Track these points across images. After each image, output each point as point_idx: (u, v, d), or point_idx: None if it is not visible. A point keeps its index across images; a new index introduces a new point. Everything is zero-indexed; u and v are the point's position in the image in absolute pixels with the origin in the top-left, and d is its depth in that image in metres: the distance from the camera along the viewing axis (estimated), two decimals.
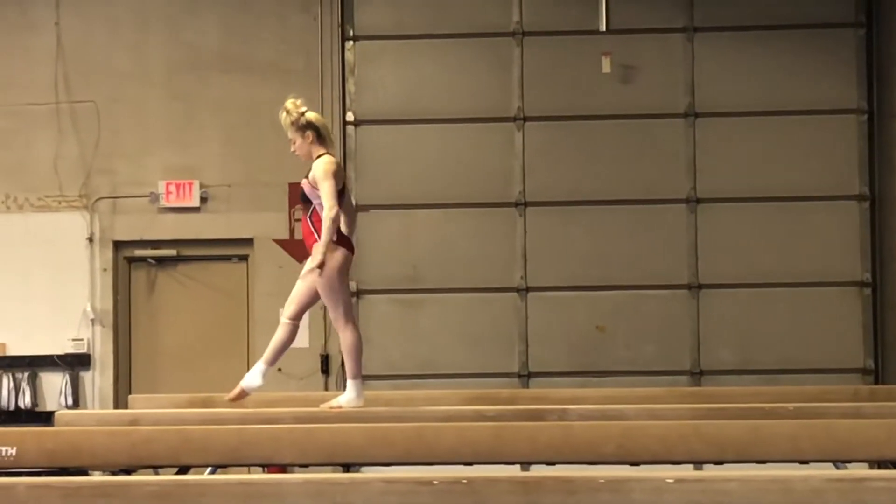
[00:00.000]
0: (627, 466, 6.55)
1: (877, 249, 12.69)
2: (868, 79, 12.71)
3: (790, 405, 7.85)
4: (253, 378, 8.15)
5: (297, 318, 8.20)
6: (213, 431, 6.66)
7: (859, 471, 5.07)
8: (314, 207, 8.00)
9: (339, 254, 7.95)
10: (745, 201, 12.74)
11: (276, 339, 8.30)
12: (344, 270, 8.00)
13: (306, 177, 8.04)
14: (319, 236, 7.93)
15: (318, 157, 8.03)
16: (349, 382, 8.03)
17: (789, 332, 12.64)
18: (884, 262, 12.68)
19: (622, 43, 12.82)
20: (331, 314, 8.14)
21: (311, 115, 8.14)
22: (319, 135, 8.10)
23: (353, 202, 8.31)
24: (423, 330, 12.84)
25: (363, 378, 8.17)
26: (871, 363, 12.62)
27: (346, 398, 7.96)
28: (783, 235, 12.72)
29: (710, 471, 5.94)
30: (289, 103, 8.18)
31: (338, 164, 8.05)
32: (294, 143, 8.17)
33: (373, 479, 4.61)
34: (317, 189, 7.92)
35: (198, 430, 6.66)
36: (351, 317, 8.11)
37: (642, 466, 6.42)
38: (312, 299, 8.15)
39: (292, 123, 8.14)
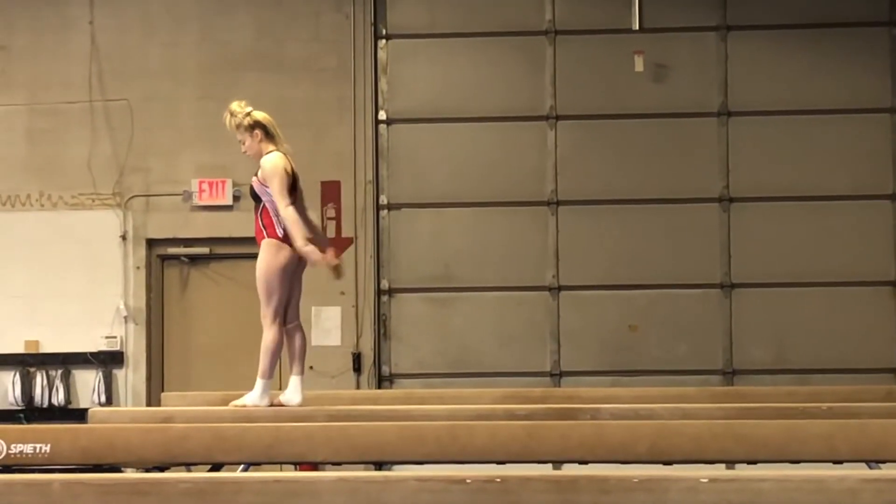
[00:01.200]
0: (660, 466, 6.53)
1: None
2: None
3: (824, 405, 7.82)
4: (252, 398, 8.00)
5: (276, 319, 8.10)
6: (247, 429, 6.67)
7: (895, 471, 5.04)
8: (264, 205, 8.00)
9: (284, 252, 7.95)
10: (778, 200, 12.71)
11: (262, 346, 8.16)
12: (286, 270, 7.98)
13: (256, 174, 8.04)
14: (268, 234, 7.93)
15: (267, 153, 8.01)
16: (258, 381, 7.94)
17: (822, 331, 12.60)
18: None
19: (655, 42, 12.80)
20: (262, 308, 8.03)
21: (258, 115, 8.14)
22: (268, 132, 8.10)
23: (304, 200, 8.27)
24: (455, 328, 12.85)
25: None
26: None
27: (251, 397, 7.90)
28: (815, 234, 12.68)
29: (744, 470, 5.92)
30: (233, 105, 8.19)
31: (288, 160, 8.03)
32: (244, 144, 8.15)
33: (407, 478, 4.60)
34: (266, 186, 7.92)
35: (232, 428, 6.68)
36: (279, 317, 8.03)
37: (675, 466, 6.40)
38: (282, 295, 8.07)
39: (238, 125, 8.11)
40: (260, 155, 8.07)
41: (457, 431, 6.58)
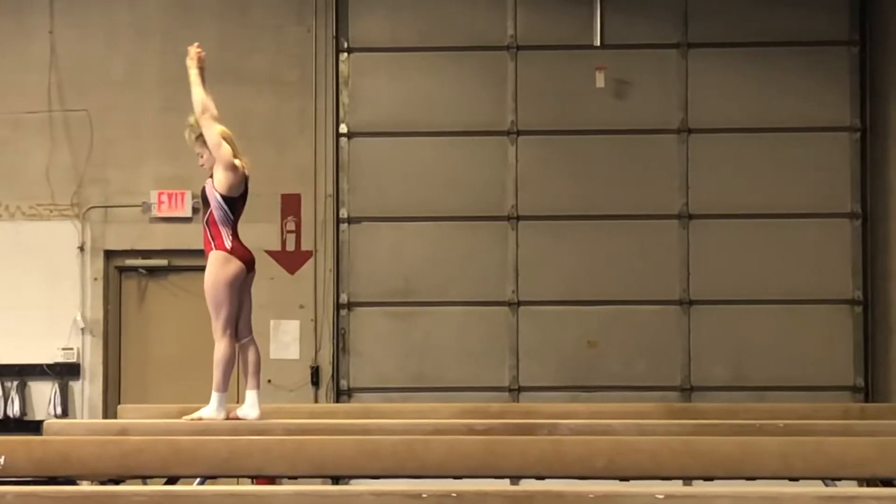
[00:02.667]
0: (618, 482, 6.54)
1: (868, 267, 12.71)
2: (861, 96, 12.74)
3: (781, 422, 7.84)
4: (209, 411, 7.95)
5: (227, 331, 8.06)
6: (204, 442, 6.64)
7: (850, 489, 5.07)
8: (211, 212, 7.99)
9: (232, 265, 7.93)
10: (737, 217, 12.75)
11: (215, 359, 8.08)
12: (234, 283, 7.93)
13: (211, 177, 8.03)
14: (216, 245, 7.93)
15: None
16: (213, 395, 7.92)
17: (780, 349, 12.64)
18: (875, 280, 12.70)
19: (616, 58, 12.83)
20: (212, 322, 7.99)
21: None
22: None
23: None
24: (414, 343, 12.83)
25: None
26: (861, 381, 12.63)
27: (208, 410, 7.89)
28: (775, 252, 12.73)
29: (700, 486, 5.93)
30: (192, 119, 8.21)
31: (242, 163, 8.03)
32: (202, 157, 8.15)
33: (363, 492, 4.60)
34: (217, 191, 7.92)
35: (188, 441, 6.64)
36: (229, 329, 7.98)
37: (632, 482, 6.40)
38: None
39: (197, 138, 8.15)
40: (211, 161, 8.07)
41: (414, 446, 6.56)
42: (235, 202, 8.04)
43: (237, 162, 8.02)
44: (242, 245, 8.03)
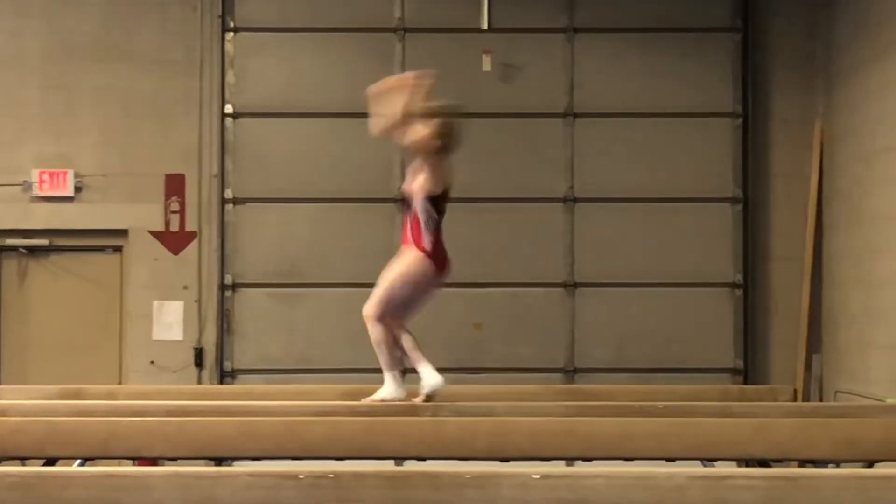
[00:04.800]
0: (498, 463, 6.59)
1: (748, 251, 12.88)
2: (743, 83, 12.88)
3: (660, 404, 7.93)
4: (389, 392, 7.78)
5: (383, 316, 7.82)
6: (82, 423, 6.57)
7: (722, 468, 5.15)
8: (415, 210, 7.71)
9: (426, 268, 7.72)
10: (622, 202, 12.85)
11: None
12: (423, 279, 7.75)
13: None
14: (414, 240, 7.71)
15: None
16: (386, 375, 7.83)
17: (663, 331, 12.78)
18: (755, 264, 12.89)
19: (503, 42, 12.88)
20: (370, 302, 7.81)
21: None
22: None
23: None
24: (300, 324, 12.80)
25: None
26: (740, 363, 12.80)
27: (387, 391, 7.79)
28: (659, 236, 12.86)
29: (576, 467, 5.99)
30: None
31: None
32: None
33: (239, 473, 4.58)
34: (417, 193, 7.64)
35: (66, 422, 6.58)
36: (385, 316, 7.75)
37: (513, 462, 6.46)
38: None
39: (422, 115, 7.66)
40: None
41: (295, 427, 6.56)
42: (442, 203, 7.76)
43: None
44: (444, 250, 7.82)
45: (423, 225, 7.74)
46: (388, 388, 7.84)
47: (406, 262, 7.82)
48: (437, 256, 7.81)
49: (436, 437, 6.57)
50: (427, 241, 7.76)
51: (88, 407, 7.59)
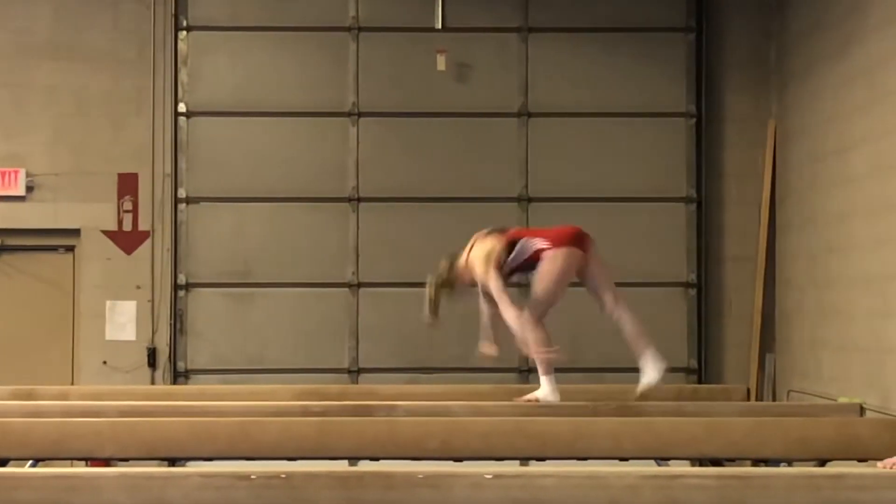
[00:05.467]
0: (451, 462, 6.59)
1: (702, 251, 12.90)
2: (697, 83, 12.90)
3: (613, 403, 7.97)
4: (544, 393, 8.04)
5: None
6: (34, 424, 6.55)
7: (675, 468, 5.18)
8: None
9: (570, 251, 8.11)
10: (576, 201, 12.80)
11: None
12: (571, 269, 8.18)
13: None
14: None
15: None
16: (542, 378, 8.13)
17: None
18: (708, 263, 12.92)
19: (457, 41, 12.86)
20: (535, 301, 8.19)
21: None
22: None
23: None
24: (254, 324, 12.76)
25: None
26: (694, 362, 12.82)
27: (542, 392, 8.04)
28: (613, 235, 12.76)
29: (529, 467, 6.00)
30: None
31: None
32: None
33: (191, 474, 4.57)
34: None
35: (17, 423, 6.54)
36: (541, 319, 8.20)
37: (466, 462, 6.46)
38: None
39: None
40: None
41: (248, 427, 6.55)
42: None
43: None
44: (560, 232, 8.21)
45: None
46: (545, 390, 8.04)
47: (551, 261, 8.06)
48: (571, 241, 8.12)
49: (390, 437, 6.59)
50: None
51: (41, 408, 7.56)
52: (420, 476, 4.59)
